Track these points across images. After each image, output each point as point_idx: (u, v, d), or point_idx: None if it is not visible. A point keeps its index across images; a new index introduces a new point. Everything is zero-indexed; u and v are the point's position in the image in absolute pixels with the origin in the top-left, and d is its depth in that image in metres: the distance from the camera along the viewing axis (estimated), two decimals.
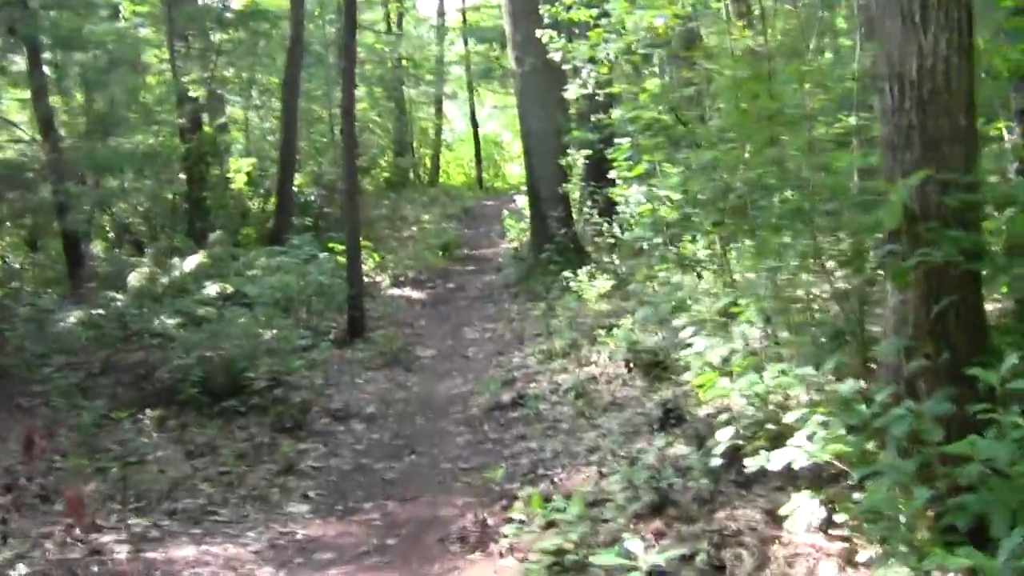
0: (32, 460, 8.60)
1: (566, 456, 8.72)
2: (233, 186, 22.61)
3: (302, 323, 15.25)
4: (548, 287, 16.38)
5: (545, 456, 8.91)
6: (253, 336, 12.44)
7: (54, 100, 17.78)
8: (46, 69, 17.45)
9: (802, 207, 7.08)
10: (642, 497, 6.83)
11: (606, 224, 15.75)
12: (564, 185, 17.62)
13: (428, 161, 38.15)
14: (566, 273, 14.87)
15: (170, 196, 20.69)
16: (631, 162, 12.67)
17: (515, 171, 44.58)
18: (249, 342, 11.98)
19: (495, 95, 42.87)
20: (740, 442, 6.37)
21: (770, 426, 6.35)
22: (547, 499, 7.12)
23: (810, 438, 5.42)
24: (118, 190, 18.66)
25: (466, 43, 37.88)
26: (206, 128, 21.86)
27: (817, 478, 6.02)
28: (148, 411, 11.21)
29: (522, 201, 25.55)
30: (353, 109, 15.78)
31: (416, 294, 19.51)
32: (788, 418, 5.72)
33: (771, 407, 6.40)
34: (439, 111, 39.53)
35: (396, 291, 19.73)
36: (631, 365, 11.08)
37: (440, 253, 22.47)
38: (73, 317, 15.28)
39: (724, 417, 6.55)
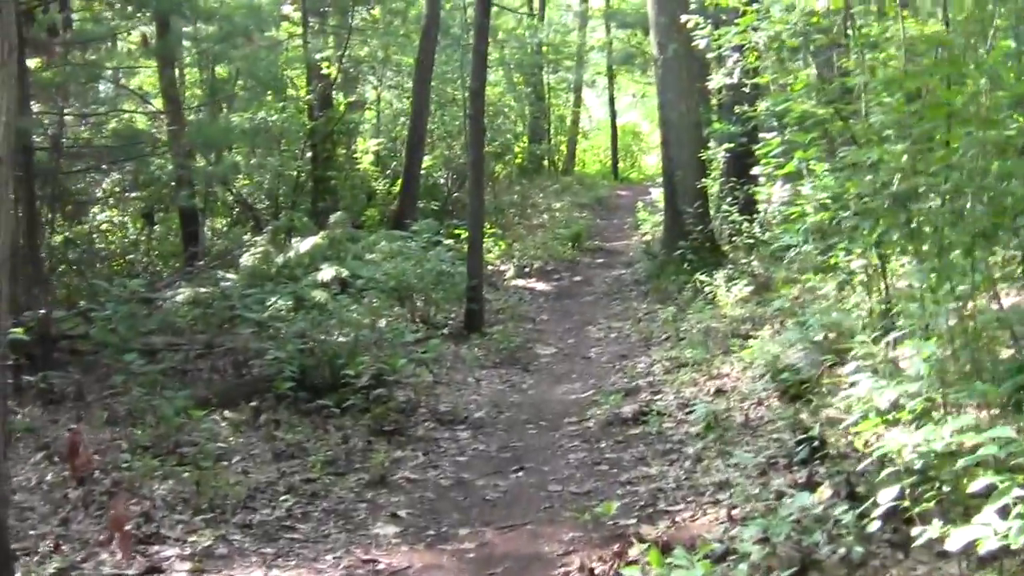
0: (77, 471, 7.63)
1: (691, 490, 7.53)
2: (359, 166, 21.80)
3: (417, 314, 14.29)
4: (680, 287, 15.13)
5: (666, 486, 7.73)
6: (362, 327, 11.47)
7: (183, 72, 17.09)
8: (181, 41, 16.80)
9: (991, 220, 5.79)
10: (780, 555, 5.62)
11: (746, 223, 14.42)
12: (703, 180, 16.30)
13: (564, 148, 36.97)
14: (702, 277, 13.58)
15: (294, 174, 19.87)
16: (780, 159, 11.35)
17: (651, 162, 43.30)
18: (356, 334, 11.01)
19: (635, 84, 41.51)
20: (906, 503, 5.11)
21: (947, 488, 5.08)
22: (667, 547, 5.94)
23: (1004, 515, 4.15)
24: (240, 166, 17.92)
25: (608, 29, 36.58)
26: (336, 106, 21.04)
27: (1006, 559, 4.77)
28: (241, 403, 10.37)
29: (657, 193, 24.32)
30: (483, 91, 14.74)
31: (541, 286, 18.41)
32: (976, 486, 4.45)
33: (951, 467, 5.12)
34: (578, 98, 38.32)
35: (520, 281, 18.67)
36: (769, 383, 9.83)
37: (569, 244, 21.31)
38: (181, 295, 14.57)
39: (888, 473, 5.29)
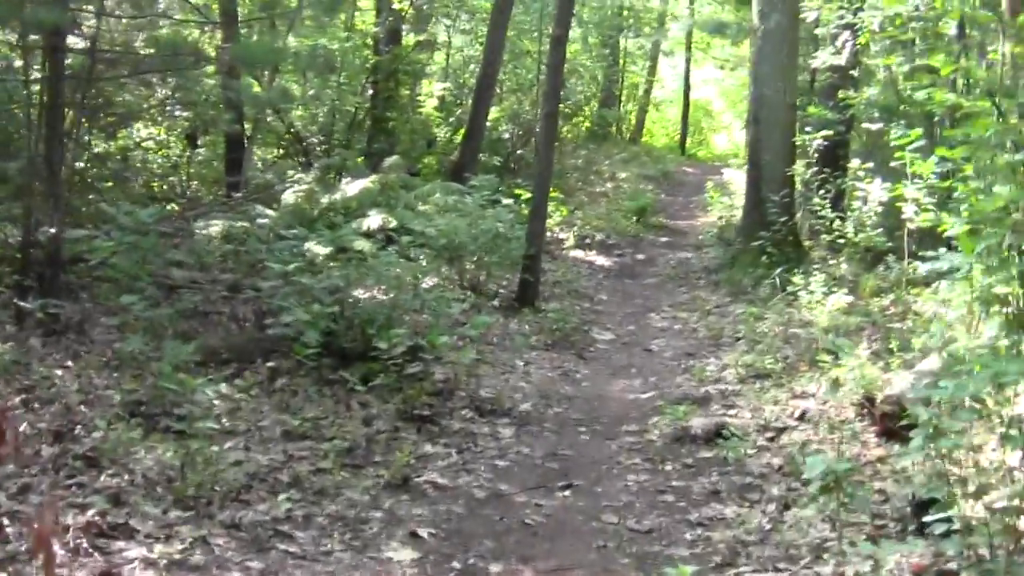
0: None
1: (780, 549, 5.99)
2: (422, 110, 20.23)
3: (467, 277, 12.78)
4: (756, 282, 13.50)
5: (748, 538, 6.20)
6: (403, 288, 9.98)
7: None
8: None
9: None
10: None
11: (838, 220, 12.76)
12: (792, 167, 14.63)
13: (633, 117, 35.25)
14: (796, 279, 11.90)
15: (352, 110, 18.33)
16: (917, 155, 9.83)
17: (721, 142, 41.55)
18: (396, 296, 9.51)
19: (715, 60, 39.60)
20: None
21: None
22: None
23: None
24: (294, 94, 16.41)
25: None
26: (404, 44, 19.47)
27: None
28: (258, 360, 8.95)
29: (730, 174, 22.70)
30: (566, 39, 13.11)
31: (601, 260, 16.84)
32: None
33: None
34: (653, 67, 36.51)
35: (579, 253, 17.11)
36: (864, 411, 8.27)
37: (633, 218, 19.68)
38: (216, 227, 13.18)
39: None
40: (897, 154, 10.10)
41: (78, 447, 6.68)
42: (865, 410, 8.28)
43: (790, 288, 12.17)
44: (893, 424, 7.91)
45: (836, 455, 7.46)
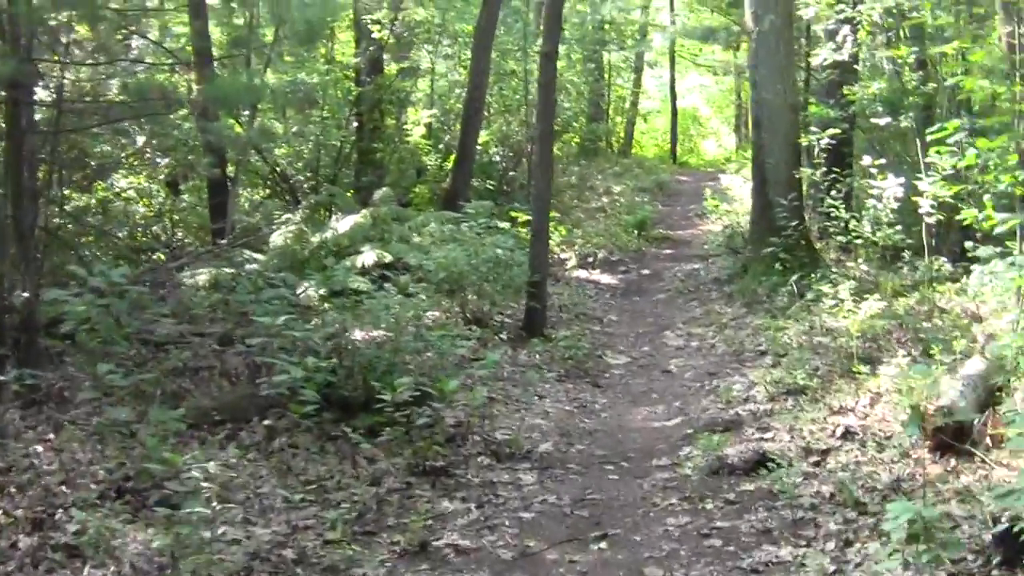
0: None
1: None
2: (409, 139, 19.50)
3: (469, 309, 12.05)
4: (771, 290, 12.76)
5: None
6: (404, 330, 9.25)
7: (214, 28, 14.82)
8: None
9: None
10: None
11: (854, 220, 12.02)
12: (800, 169, 13.90)
13: (622, 130, 34.57)
14: (822, 286, 11.10)
15: (337, 144, 17.60)
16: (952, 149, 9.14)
17: (710, 148, 40.91)
18: (397, 338, 8.76)
19: (699, 68, 38.95)
20: None
21: None
22: None
23: None
24: (276, 132, 15.73)
25: (672, 5, 33.89)
26: (387, 72, 18.78)
27: None
28: (253, 419, 8.21)
29: (728, 180, 21.99)
30: (555, 56, 12.33)
31: (606, 279, 16.10)
32: None
33: None
34: (638, 78, 35.85)
35: (583, 273, 16.37)
36: (912, 427, 7.54)
37: (634, 232, 18.92)
38: (203, 276, 12.47)
39: None
40: (936, 148, 9.34)
41: (59, 535, 6.00)
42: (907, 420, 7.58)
43: (809, 295, 11.46)
44: (947, 437, 7.22)
45: (894, 480, 6.79)
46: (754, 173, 14.36)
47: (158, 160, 15.58)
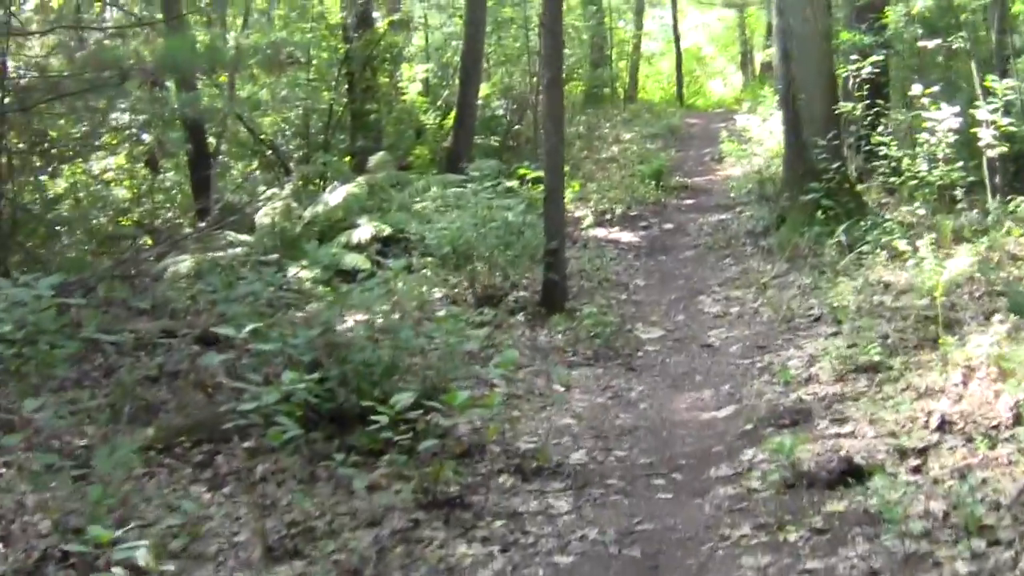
0: None
1: None
2: (405, 97, 17.89)
3: (480, 284, 10.58)
4: (816, 242, 11.19)
5: None
6: (405, 319, 7.76)
7: None
8: None
9: None
10: None
11: (906, 158, 10.44)
12: (838, 104, 12.26)
13: (626, 75, 32.84)
14: (882, 236, 9.58)
15: (327, 107, 16.01)
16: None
17: (716, 88, 39.20)
18: (396, 337, 7.21)
19: (699, 6, 37.23)
20: None
21: None
22: None
23: None
24: (263, 99, 14.20)
25: None
26: (377, 27, 17.15)
27: None
28: (233, 439, 6.69)
29: (745, 120, 20.39)
30: None
31: (627, 236, 14.54)
32: None
33: None
34: (640, 20, 34.09)
35: (601, 231, 14.82)
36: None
37: (651, 182, 17.30)
38: (185, 263, 11.06)
39: None
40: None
41: None
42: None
43: (865, 247, 9.93)
44: None
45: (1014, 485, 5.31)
46: (784, 111, 12.70)
47: (141, 137, 14.07)
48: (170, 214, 14.94)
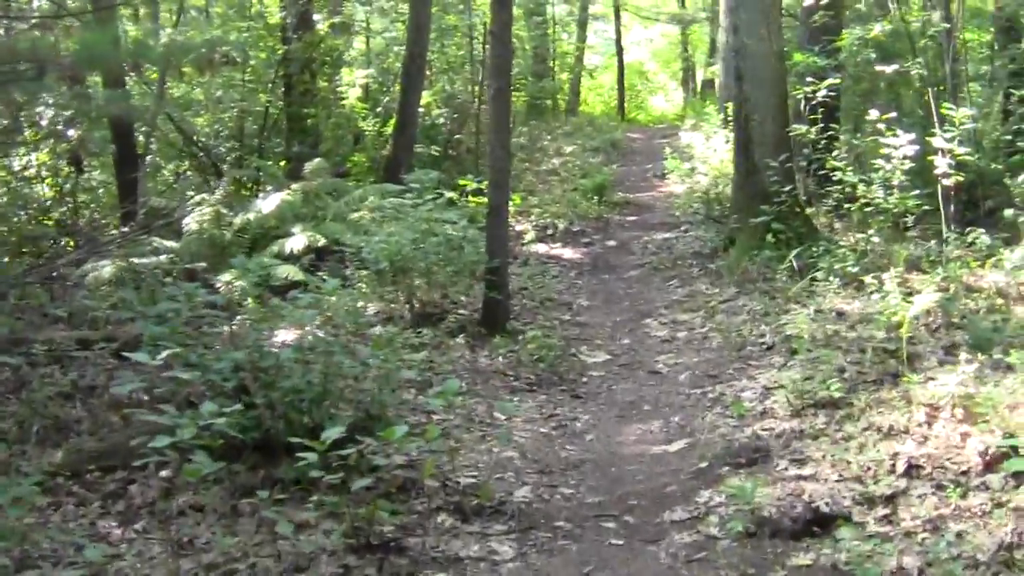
0: None
1: None
2: (345, 102, 17.32)
3: (418, 300, 10.08)
4: (766, 266, 10.83)
5: None
6: (339, 336, 7.23)
7: None
8: None
9: None
10: None
11: (862, 185, 10.08)
12: (793, 126, 11.91)
13: (567, 87, 32.46)
14: (845, 267, 9.21)
15: (263, 110, 15.39)
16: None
17: (658, 103, 38.97)
18: (327, 363, 6.65)
19: (643, 21, 36.98)
20: None
21: None
22: None
23: None
24: (196, 98, 13.57)
25: None
26: (317, 28, 16.58)
27: None
28: (149, 466, 6.12)
29: (689, 138, 20.08)
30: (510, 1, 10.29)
31: (569, 253, 14.10)
32: None
33: None
34: (583, 33, 33.72)
35: (542, 247, 14.37)
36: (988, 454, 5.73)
37: (593, 197, 16.87)
38: (107, 269, 10.45)
39: None
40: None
41: None
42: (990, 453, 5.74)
43: (819, 274, 9.59)
44: None
45: (1001, 545, 4.93)
46: (736, 132, 12.32)
47: (66, 134, 13.36)
48: (95, 216, 14.25)
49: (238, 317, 8.29)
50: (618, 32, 33.84)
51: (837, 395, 7.05)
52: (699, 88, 36.17)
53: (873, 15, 12.92)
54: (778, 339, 8.84)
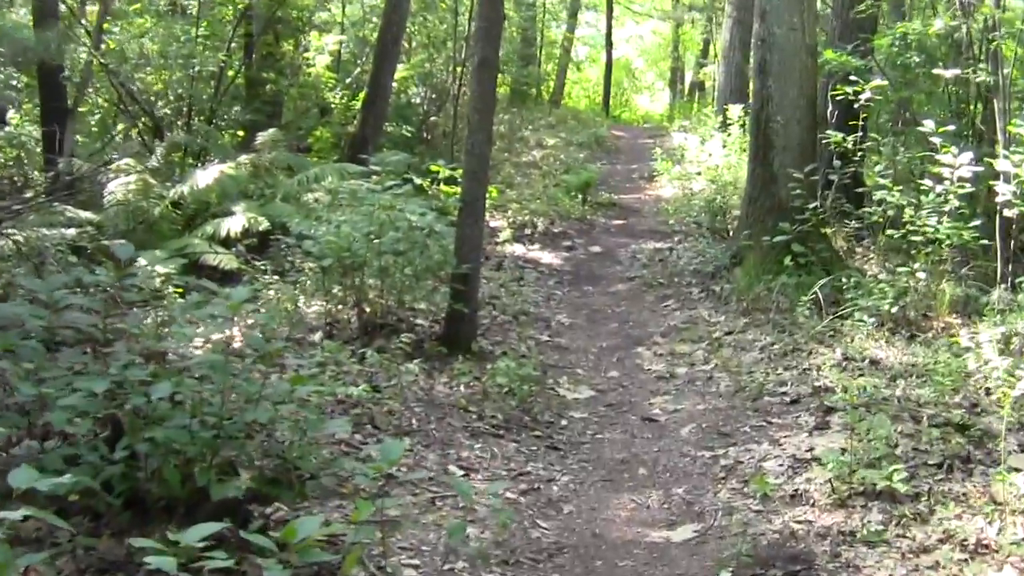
0: None
1: None
2: (311, 70, 15.46)
3: (367, 304, 8.30)
4: (784, 295, 9.07)
5: None
6: (237, 382, 5.39)
7: None
8: None
9: None
10: None
11: (911, 209, 8.33)
12: (819, 133, 10.18)
13: (552, 77, 30.69)
14: (883, 305, 7.45)
15: (216, 71, 13.47)
16: None
17: (643, 103, 37.35)
18: (222, 411, 4.81)
19: (634, 16, 35.22)
20: None
21: None
22: None
23: None
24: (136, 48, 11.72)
25: None
26: None
27: None
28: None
29: (682, 139, 18.39)
30: None
31: (548, 257, 12.33)
32: None
33: None
34: (573, 23, 31.92)
35: (518, 248, 12.60)
36: None
37: (577, 196, 15.12)
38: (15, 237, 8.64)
39: None
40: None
41: None
42: None
43: (865, 318, 7.84)
44: None
45: None
46: (753, 133, 10.53)
47: None
48: (16, 175, 12.40)
49: (139, 316, 6.46)
50: (609, 25, 32.13)
51: (894, 485, 5.31)
52: (687, 90, 34.62)
53: (920, 12, 11.17)
54: (804, 390, 7.10)
